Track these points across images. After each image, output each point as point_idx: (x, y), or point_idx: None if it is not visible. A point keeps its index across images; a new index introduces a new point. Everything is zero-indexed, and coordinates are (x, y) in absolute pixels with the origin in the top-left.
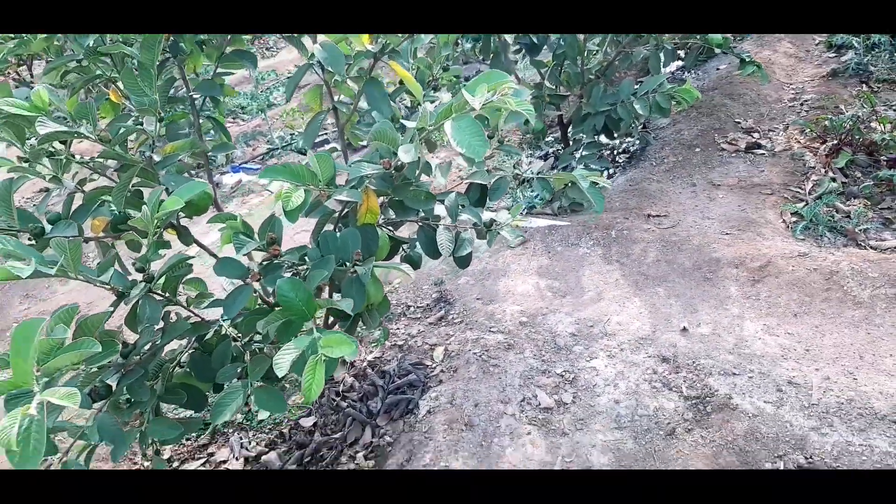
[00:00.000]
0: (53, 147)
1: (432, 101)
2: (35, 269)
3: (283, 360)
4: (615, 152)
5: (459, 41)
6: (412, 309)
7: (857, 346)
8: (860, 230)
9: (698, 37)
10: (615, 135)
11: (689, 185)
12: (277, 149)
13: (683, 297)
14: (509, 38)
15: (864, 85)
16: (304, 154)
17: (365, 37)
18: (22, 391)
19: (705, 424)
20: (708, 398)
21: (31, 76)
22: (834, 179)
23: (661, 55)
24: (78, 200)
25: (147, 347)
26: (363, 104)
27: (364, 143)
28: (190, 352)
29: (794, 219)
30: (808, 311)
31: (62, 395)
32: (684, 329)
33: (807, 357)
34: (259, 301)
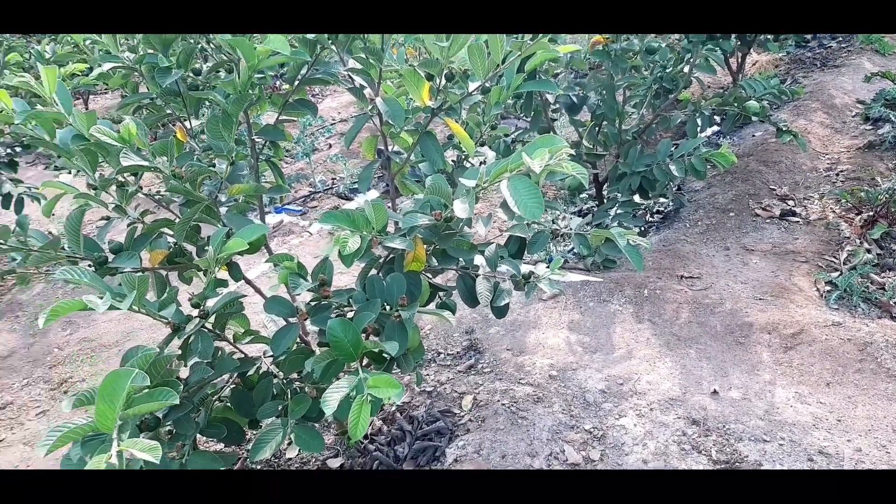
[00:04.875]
0: (124, 178)
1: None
2: (110, 305)
3: (331, 399)
4: (649, 212)
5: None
6: (442, 356)
7: (891, 419)
8: (895, 303)
9: (736, 105)
10: (650, 195)
11: (722, 248)
12: (319, 192)
13: (715, 359)
14: (550, 97)
15: None
16: (344, 198)
17: (425, 94)
18: (96, 433)
19: None
20: (737, 463)
21: (87, 108)
22: (869, 251)
23: (699, 120)
24: (134, 231)
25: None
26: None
27: (418, 193)
28: (231, 386)
29: (827, 288)
30: (840, 381)
31: (144, 447)
32: (715, 392)
33: (839, 427)
34: (298, 340)
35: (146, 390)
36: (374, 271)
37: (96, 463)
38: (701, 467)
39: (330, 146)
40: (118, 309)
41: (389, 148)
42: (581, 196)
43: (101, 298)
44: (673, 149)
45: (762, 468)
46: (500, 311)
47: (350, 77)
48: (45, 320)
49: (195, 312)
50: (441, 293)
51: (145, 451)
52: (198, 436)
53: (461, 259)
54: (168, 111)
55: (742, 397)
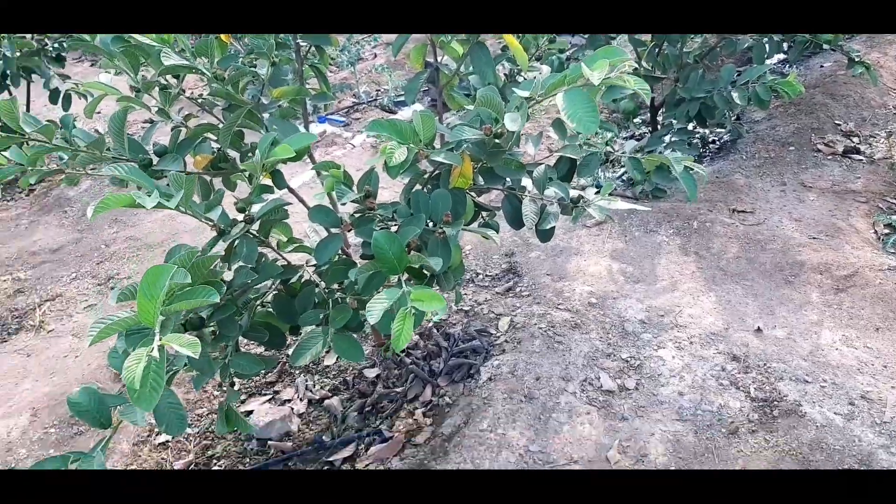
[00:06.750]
0: (166, 80)
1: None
2: (158, 202)
3: (375, 309)
4: (704, 142)
5: None
6: (481, 277)
7: None
8: None
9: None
10: (707, 123)
11: (778, 183)
12: (363, 103)
13: (761, 297)
14: None
15: None
16: (388, 111)
17: None
18: (140, 328)
19: (770, 428)
20: (776, 402)
21: None
22: None
23: (767, 45)
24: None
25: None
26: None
27: (469, 106)
28: (274, 293)
29: (886, 231)
30: (891, 327)
31: (184, 342)
32: (758, 330)
33: (884, 373)
34: (340, 252)
35: (188, 288)
36: (418, 186)
37: (137, 356)
38: (738, 404)
39: (375, 56)
40: (166, 207)
41: (439, 59)
42: (634, 121)
43: (150, 196)
44: (736, 75)
45: (801, 408)
46: (546, 235)
47: None
48: (93, 212)
49: (240, 217)
50: (485, 213)
51: (185, 347)
52: (241, 339)
53: (508, 179)
54: None
55: (786, 336)
